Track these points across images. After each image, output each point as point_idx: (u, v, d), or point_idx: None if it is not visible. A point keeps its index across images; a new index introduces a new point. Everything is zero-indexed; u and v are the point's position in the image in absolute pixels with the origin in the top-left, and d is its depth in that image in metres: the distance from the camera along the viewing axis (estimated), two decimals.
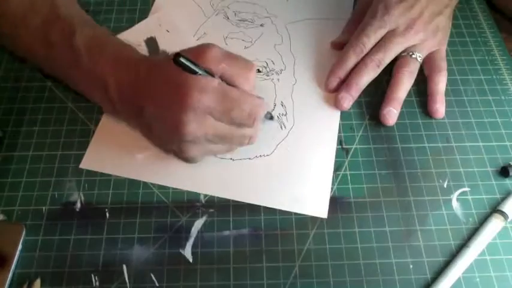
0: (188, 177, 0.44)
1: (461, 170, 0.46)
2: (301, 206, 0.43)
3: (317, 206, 0.43)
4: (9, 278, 0.38)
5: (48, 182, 0.44)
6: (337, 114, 0.49)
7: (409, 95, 0.50)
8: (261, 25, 0.56)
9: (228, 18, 0.56)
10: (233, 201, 0.43)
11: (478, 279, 0.40)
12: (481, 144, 0.48)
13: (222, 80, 0.38)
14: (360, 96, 0.50)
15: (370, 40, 0.49)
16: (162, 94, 0.38)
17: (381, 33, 0.49)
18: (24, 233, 0.41)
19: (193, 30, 0.55)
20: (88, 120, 0.48)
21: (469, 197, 0.44)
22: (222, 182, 0.44)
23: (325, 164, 0.46)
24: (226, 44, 0.53)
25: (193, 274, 0.40)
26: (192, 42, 0.53)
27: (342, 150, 0.47)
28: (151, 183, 0.44)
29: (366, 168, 0.46)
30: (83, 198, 0.43)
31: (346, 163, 0.46)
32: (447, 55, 0.54)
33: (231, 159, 0.45)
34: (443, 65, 0.51)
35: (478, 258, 0.41)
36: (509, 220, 0.42)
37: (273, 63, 0.53)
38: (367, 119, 0.49)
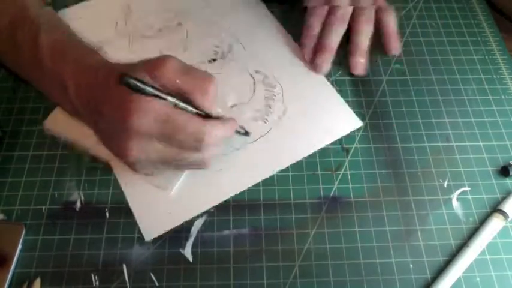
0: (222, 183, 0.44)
1: (462, 169, 0.46)
2: (335, 132, 0.47)
3: (348, 122, 0.48)
4: (9, 278, 0.38)
5: (48, 182, 0.44)
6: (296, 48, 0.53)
7: (408, 95, 0.50)
8: (179, 24, 0.55)
9: (146, 36, 0.54)
10: (233, 200, 0.43)
11: (478, 279, 0.40)
12: (481, 143, 0.48)
13: (180, 97, 0.36)
14: (359, 96, 0.50)
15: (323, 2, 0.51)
16: (110, 108, 0.36)
17: None
18: (24, 232, 0.41)
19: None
20: None
21: (469, 197, 0.44)
22: (267, 159, 0.46)
23: (325, 88, 0.50)
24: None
25: (193, 274, 0.40)
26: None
27: (342, 150, 0.47)
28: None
29: (366, 168, 0.46)
30: (82, 198, 0.43)
31: (346, 163, 0.46)
32: (447, 54, 0.54)
33: (261, 136, 0.47)
34: (385, 4, 0.52)
35: (478, 258, 0.41)
36: (509, 219, 0.42)
37: (219, 46, 0.53)
38: (367, 119, 0.49)
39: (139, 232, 0.41)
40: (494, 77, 0.53)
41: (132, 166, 0.40)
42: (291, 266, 0.40)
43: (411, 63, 0.53)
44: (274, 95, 0.50)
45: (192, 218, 0.42)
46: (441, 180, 0.45)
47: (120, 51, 0.53)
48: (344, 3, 0.51)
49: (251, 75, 0.51)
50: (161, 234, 0.41)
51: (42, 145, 0.46)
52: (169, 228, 0.41)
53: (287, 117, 0.48)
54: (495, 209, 0.43)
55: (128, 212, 0.42)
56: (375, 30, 0.51)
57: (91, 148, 0.44)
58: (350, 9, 0.51)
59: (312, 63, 0.51)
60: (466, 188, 0.45)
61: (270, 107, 0.49)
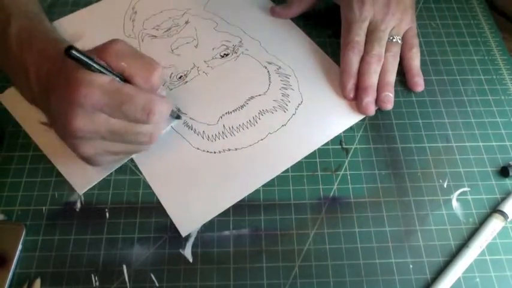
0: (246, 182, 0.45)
1: (461, 170, 0.46)
2: (352, 118, 0.48)
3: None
4: (9, 278, 0.38)
5: (48, 182, 0.44)
6: (306, 37, 0.55)
7: (408, 95, 0.51)
8: (186, 22, 0.56)
9: (155, 36, 0.55)
10: None
11: (478, 279, 0.40)
12: (481, 144, 0.48)
13: (123, 79, 0.38)
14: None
15: (361, 37, 0.51)
16: (57, 89, 0.38)
17: (365, 26, 0.51)
18: (24, 233, 0.41)
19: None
20: None
21: (469, 197, 0.44)
22: (290, 148, 0.46)
23: (334, 69, 0.51)
24: (178, 54, 0.53)
25: (193, 274, 0.40)
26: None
27: (342, 150, 0.47)
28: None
29: (366, 168, 0.46)
30: (83, 198, 0.43)
31: (346, 163, 0.46)
32: (447, 55, 0.54)
33: (283, 125, 0.48)
34: (416, 41, 0.53)
35: (478, 258, 0.41)
36: (509, 220, 0.42)
37: (229, 41, 0.54)
38: (367, 119, 0.49)
39: (139, 232, 0.41)
40: (494, 77, 0.53)
41: (77, 144, 0.38)
42: (291, 267, 0.40)
43: None
44: (290, 84, 0.50)
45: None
46: (441, 181, 0.45)
47: None
48: (381, 44, 0.51)
49: (265, 67, 0.52)
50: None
51: None
52: (203, 223, 0.42)
53: (304, 106, 0.49)
54: (495, 209, 0.43)
55: (128, 212, 0.42)
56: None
57: (31, 133, 0.47)
58: (384, 47, 0.51)
59: (359, 103, 0.49)
60: (466, 189, 0.45)
61: (287, 96, 0.49)
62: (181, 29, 0.55)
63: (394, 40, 0.51)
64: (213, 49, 0.53)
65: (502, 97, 0.51)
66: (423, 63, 0.53)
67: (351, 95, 0.50)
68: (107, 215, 0.42)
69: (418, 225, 0.42)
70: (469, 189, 0.45)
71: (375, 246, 0.41)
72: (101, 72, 0.36)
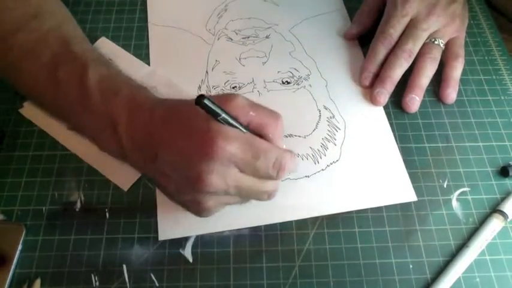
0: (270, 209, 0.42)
1: (461, 170, 0.46)
2: (388, 197, 0.43)
3: (403, 191, 0.44)
4: (9, 278, 0.38)
5: (48, 182, 0.44)
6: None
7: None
8: (267, 37, 0.55)
9: (231, 39, 0.54)
10: None
11: (478, 279, 0.40)
12: (480, 144, 0.48)
13: (250, 130, 0.35)
14: None
15: (396, 31, 0.50)
16: (181, 140, 0.34)
17: (404, 21, 0.50)
18: (24, 233, 0.41)
19: (203, 61, 0.52)
20: None
21: (469, 197, 0.44)
22: (303, 201, 0.43)
23: (391, 149, 0.46)
24: (243, 65, 0.52)
25: (193, 274, 0.40)
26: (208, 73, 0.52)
27: None
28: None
29: None
30: (83, 198, 0.43)
31: None
32: None
33: (306, 176, 0.44)
34: (461, 52, 0.51)
35: (478, 258, 0.41)
36: (509, 220, 0.42)
37: (297, 71, 0.52)
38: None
39: (140, 232, 0.41)
40: (494, 77, 0.53)
41: (201, 199, 0.36)
42: (291, 267, 0.40)
43: (411, 64, 0.53)
44: (335, 139, 0.47)
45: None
46: (441, 181, 0.45)
47: (199, 44, 0.54)
48: (416, 42, 0.49)
49: (318, 110, 0.49)
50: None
51: (42, 145, 0.46)
52: (185, 236, 0.41)
53: (338, 166, 0.45)
54: (495, 209, 0.43)
55: (128, 212, 0.42)
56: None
57: (61, 139, 0.46)
58: (419, 46, 0.50)
59: (371, 92, 0.49)
60: (466, 189, 0.45)
61: (326, 149, 0.46)
62: (258, 41, 0.54)
63: (435, 42, 0.50)
64: (278, 72, 0.51)
65: (502, 97, 0.51)
66: None
67: (366, 83, 0.49)
68: (107, 215, 0.42)
69: (418, 225, 0.42)
70: (469, 189, 0.45)
71: (374, 246, 0.41)
72: (229, 124, 0.34)
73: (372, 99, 0.49)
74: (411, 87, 0.49)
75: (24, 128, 0.47)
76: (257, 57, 0.53)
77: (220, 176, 0.34)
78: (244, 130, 0.34)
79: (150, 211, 0.43)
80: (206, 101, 0.32)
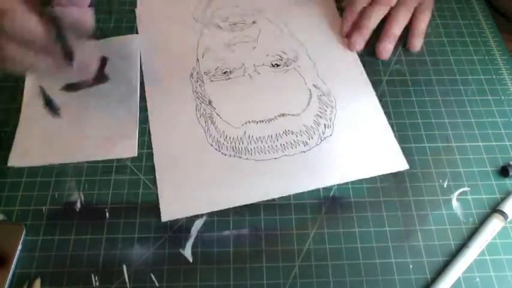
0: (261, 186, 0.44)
1: (461, 169, 0.46)
2: (380, 167, 0.45)
3: (394, 161, 0.46)
4: (9, 278, 0.38)
5: (48, 182, 0.44)
6: (363, 73, 0.52)
7: (408, 95, 0.50)
8: (254, 22, 0.56)
9: (220, 27, 0.55)
10: None
11: (478, 279, 0.40)
12: (480, 144, 0.48)
13: None
14: None
15: None
16: None
17: None
18: (24, 233, 0.41)
19: (193, 49, 0.54)
20: None
21: (469, 197, 0.44)
22: (299, 175, 0.45)
23: (380, 122, 0.48)
24: (233, 50, 0.53)
25: (193, 274, 0.40)
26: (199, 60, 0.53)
27: None
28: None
29: None
30: (83, 198, 0.43)
31: None
32: (447, 54, 0.54)
33: (302, 152, 0.46)
34: (430, 5, 0.54)
35: (478, 258, 0.41)
36: (509, 220, 0.42)
37: (285, 53, 0.53)
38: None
39: (140, 232, 0.41)
40: (494, 77, 0.53)
41: None
42: (291, 267, 0.40)
43: (411, 64, 0.53)
44: (326, 115, 0.48)
45: (199, 214, 0.42)
46: (441, 181, 0.45)
47: (188, 33, 0.55)
48: None
49: (309, 89, 0.50)
50: (178, 218, 0.42)
51: None
52: (189, 215, 0.42)
53: (332, 140, 0.47)
54: (495, 209, 0.43)
55: (128, 212, 0.42)
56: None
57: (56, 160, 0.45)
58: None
59: (348, 39, 0.53)
60: (466, 189, 0.45)
61: (318, 125, 0.47)
62: (246, 27, 0.55)
63: None
64: (267, 55, 0.52)
65: (502, 97, 0.51)
66: (423, 63, 0.53)
67: (344, 29, 0.54)
68: (107, 215, 0.42)
69: (418, 225, 0.42)
70: (469, 189, 0.45)
71: (374, 246, 0.41)
72: None
73: (348, 45, 0.53)
74: (384, 35, 0.52)
75: None
76: (245, 42, 0.54)
77: None
78: None
79: (150, 211, 0.43)
80: None
